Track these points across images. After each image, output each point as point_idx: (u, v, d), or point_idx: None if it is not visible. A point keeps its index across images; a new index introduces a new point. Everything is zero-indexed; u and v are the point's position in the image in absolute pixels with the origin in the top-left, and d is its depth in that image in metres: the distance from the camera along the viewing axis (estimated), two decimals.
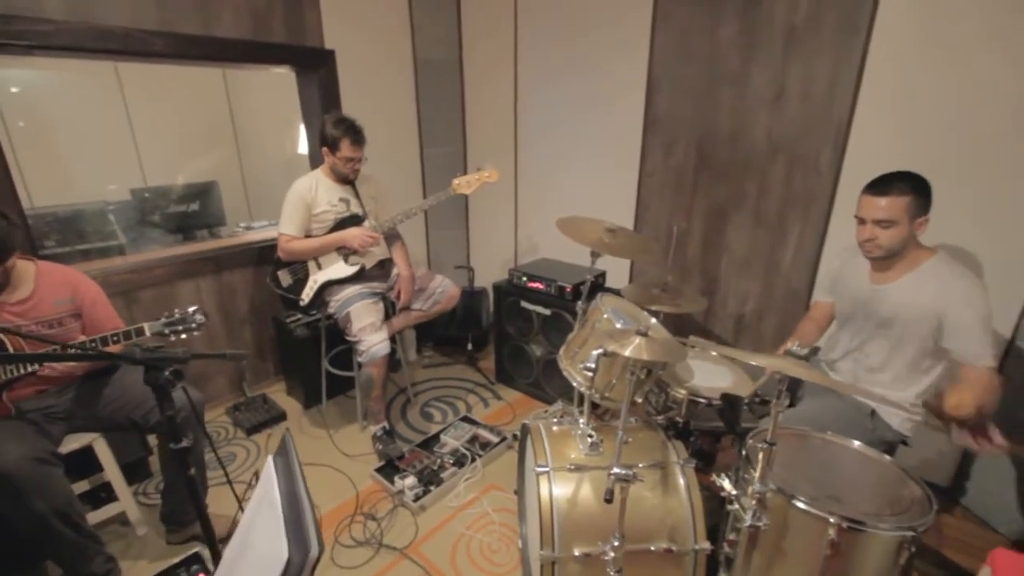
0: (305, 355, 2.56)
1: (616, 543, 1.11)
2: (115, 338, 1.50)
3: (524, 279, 2.56)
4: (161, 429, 1.66)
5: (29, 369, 1.47)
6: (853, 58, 1.86)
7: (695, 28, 2.21)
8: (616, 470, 1.06)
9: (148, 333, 1.51)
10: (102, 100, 3.73)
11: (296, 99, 2.92)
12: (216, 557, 1.00)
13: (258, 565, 0.60)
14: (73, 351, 1.40)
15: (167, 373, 0.91)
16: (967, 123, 1.69)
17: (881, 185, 1.37)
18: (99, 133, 3.68)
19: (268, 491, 0.66)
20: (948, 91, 1.71)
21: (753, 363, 0.97)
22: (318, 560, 0.51)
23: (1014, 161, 1.64)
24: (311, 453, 2.26)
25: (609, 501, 1.06)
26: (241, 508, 1.20)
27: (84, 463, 1.73)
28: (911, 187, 1.35)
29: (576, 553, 1.30)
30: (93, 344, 1.46)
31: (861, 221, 1.42)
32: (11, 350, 1.45)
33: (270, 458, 0.72)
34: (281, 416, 2.55)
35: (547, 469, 1.37)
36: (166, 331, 1.52)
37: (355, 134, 2.08)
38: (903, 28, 1.75)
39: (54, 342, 1.46)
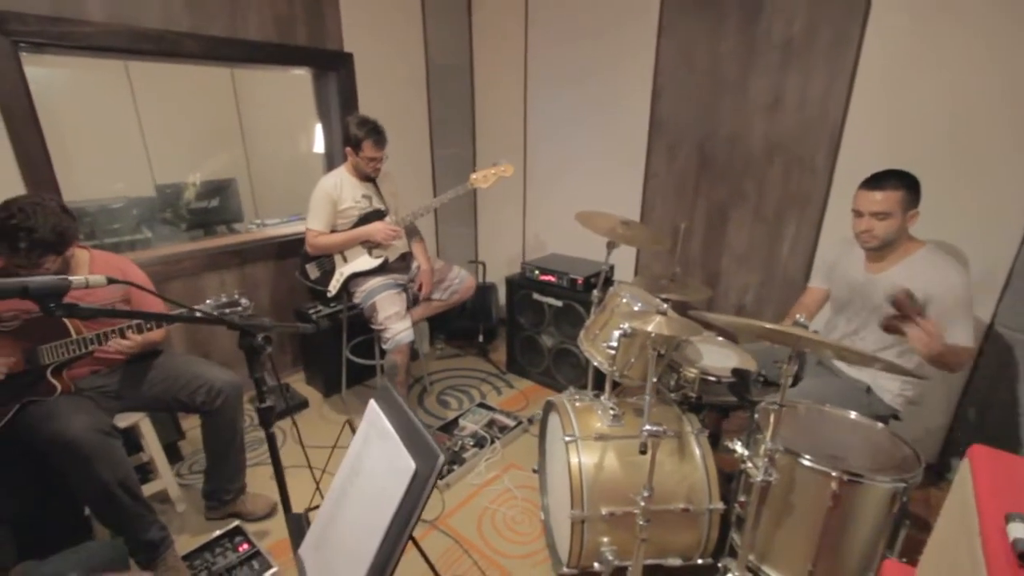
0: (325, 346, 2.67)
1: (646, 494, 1.25)
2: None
3: (536, 272, 2.69)
4: (205, 408, 1.77)
5: (88, 349, 1.56)
6: (845, 69, 2.03)
7: (698, 39, 2.37)
8: (648, 427, 1.19)
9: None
10: (112, 98, 3.79)
11: (304, 100, 3.03)
12: (287, 510, 1.11)
13: (378, 484, 0.72)
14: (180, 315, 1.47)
15: (260, 338, 1.02)
16: (951, 127, 1.86)
17: (877, 181, 1.54)
18: (109, 131, 3.75)
19: (377, 425, 0.78)
20: (933, 98, 1.88)
21: (768, 327, 1.11)
22: (443, 467, 0.64)
23: (995, 162, 1.81)
24: (333, 439, 2.36)
25: (644, 452, 1.20)
26: (310, 468, 1.32)
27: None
28: (903, 183, 1.51)
29: (603, 512, 1.43)
30: (187, 311, 1.54)
31: (858, 214, 1.58)
32: (73, 333, 1.55)
33: (372, 401, 0.84)
34: (303, 404, 2.65)
35: (574, 438, 1.51)
36: (215, 313, 1.63)
37: (377, 135, 2.21)
38: (892, 41, 1.92)
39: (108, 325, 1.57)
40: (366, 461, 0.78)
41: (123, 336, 1.56)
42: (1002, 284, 1.87)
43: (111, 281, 0.79)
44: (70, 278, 0.71)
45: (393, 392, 0.82)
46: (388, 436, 0.73)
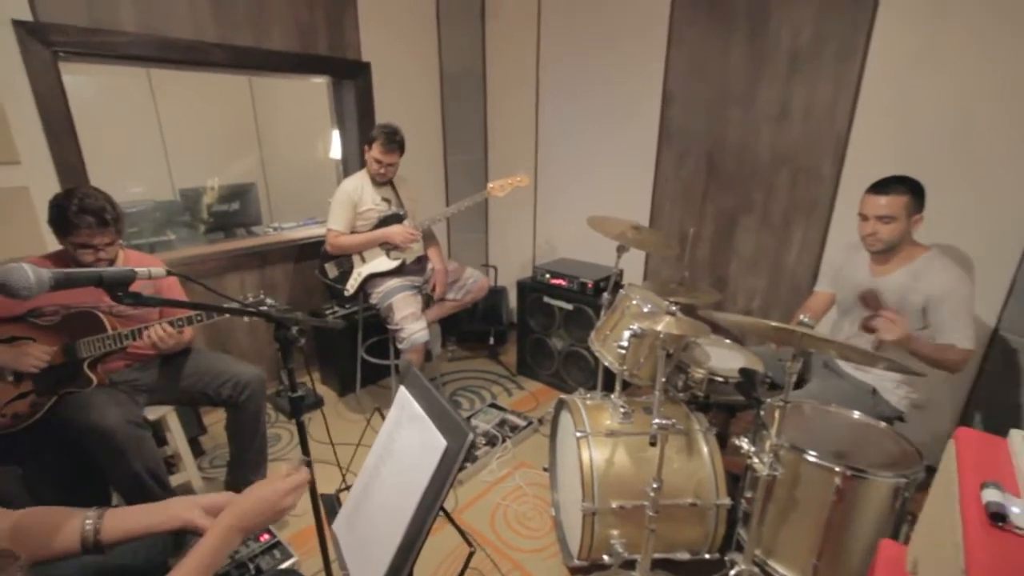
0: (340, 346, 2.74)
1: (656, 485, 1.30)
2: (198, 317, 1.68)
3: (547, 276, 2.76)
4: (231, 402, 1.84)
5: (122, 344, 1.64)
6: (850, 79, 2.09)
7: (707, 50, 2.44)
8: (657, 420, 1.25)
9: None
10: (135, 105, 3.91)
11: (320, 107, 3.13)
12: (315, 493, 1.16)
13: (410, 462, 0.78)
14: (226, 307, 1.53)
15: (294, 330, 1.09)
16: (955, 135, 1.91)
17: (883, 186, 1.60)
18: (132, 136, 3.87)
19: (407, 410, 0.84)
20: (937, 107, 1.93)
21: (773, 325, 1.17)
22: (472, 443, 0.70)
23: (999, 169, 1.85)
24: (350, 435, 2.43)
25: (653, 444, 1.25)
26: (336, 459, 1.38)
27: None
28: (908, 188, 1.57)
29: (613, 505, 1.48)
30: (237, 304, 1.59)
31: (864, 218, 1.64)
32: (108, 328, 1.63)
33: (402, 387, 0.90)
34: (319, 402, 2.72)
35: (586, 434, 1.56)
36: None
37: (387, 139, 2.28)
38: (895, 52, 1.98)
39: (140, 321, 1.66)
40: (397, 442, 0.84)
41: (150, 337, 1.63)
42: (1006, 289, 1.91)
43: (169, 273, 0.86)
44: (136, 269, 0.78)
45: (421, 378, 0.88)
46: (419, 418, 0.79)
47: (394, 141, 2.31)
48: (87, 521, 0.84)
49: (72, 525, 0.83)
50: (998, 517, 0.62)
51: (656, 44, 2.58)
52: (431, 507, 0.70)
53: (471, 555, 0.83)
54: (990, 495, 0.63)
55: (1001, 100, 1.81)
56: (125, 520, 0.86)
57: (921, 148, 1.99)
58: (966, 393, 2.05)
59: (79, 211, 1.49)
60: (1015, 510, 0.62)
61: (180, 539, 1.66)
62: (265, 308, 1.53)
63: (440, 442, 0.72)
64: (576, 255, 3.10)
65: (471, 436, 0.68)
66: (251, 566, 1.70)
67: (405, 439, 0.82)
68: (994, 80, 1.81)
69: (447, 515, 0.84)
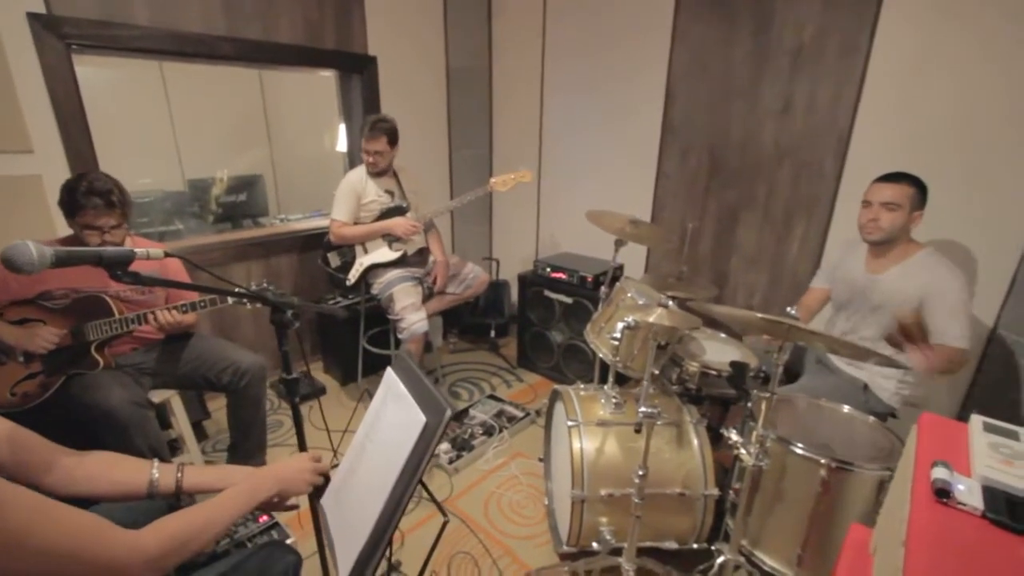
0: (342, 336, 2.78)
1: (641, 472, 1.32)
2: (202, 303, 1.73)
3: (548, 270, 2.78)
4: (231, 387, 1.89)
5: (128, 328, 1.69)
6: (854, 76, 2.08)
7: (710, 45, 2.44)
8: (643, 409, 1.27)
9: (230, 301, 1.74)
10: (147, 97, 3.98)
11: (328, 100, 3.17)
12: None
13: (393, 437, 0.81)
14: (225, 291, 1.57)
15: (289, 314, 1.12)
16: (957, 134, 1.90)
17: (891, 176, 1.64)
18: (144, 127, 3.94)
19: (393, 389, 0.88)
20: (939, 105, 1.92)
21: (760, 316, 1.18)
22: (450, 419, 0.72)
23: (1000, 168, 1.84)
24: (352, 423, 2.47)
25: (638, 431, 1.28)
26: (331, 441, 1.42)
27: None
28: (914, 183, 1.61)
29: (602, 493, 1.51)
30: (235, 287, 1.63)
31: (867, 204, 1.66)
32: (115, 312, 1.68)
33: (389, 368, 0.94)
34: (321, 390, 2.77)
35: (577, 423, 1.58)
36: (244, 302, 1.75)
37: (371, 127, 2.30)
38: (899, 49, 1.97)
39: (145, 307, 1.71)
40: (383, 420, 0.87)
41: (155, 319, 1.68)
42: (1005, 289, 1.90)
43: (167, 255, 0.89)
44: (135, 249, 0.81)
45: (407, 360, 0.91)
46: (402, 397, 0.83)
47: (378, 128, 2.30)
48: (154, 472, 0.94)
49: (143, 473, 0.94)
50: (942, 493, 0.65)
51: (660, 40, 2.59)
52: (409, 481, 0.73)
53: (445, 524, 0.86)
54: (938, 473, 0.66)
55: (1004, 99, 1.80)
56: (201, 475, 1.00)
57: (923, 146, 1.98)
58: (964, 391, 2.05)
59: (87, 192, 1.54)
60: (960, 487, 0.64)
61: (175, 508, 1.72)
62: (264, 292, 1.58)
63: (420, 418, 0.75)
64: (578, 249, 3.12)
65: (448, 412, 0.71)
66: (249, 545, 1.75)
67: (389, 417, 0.85)
68: (997, 79, 1.80)
69: (425, 488, 0.87)
